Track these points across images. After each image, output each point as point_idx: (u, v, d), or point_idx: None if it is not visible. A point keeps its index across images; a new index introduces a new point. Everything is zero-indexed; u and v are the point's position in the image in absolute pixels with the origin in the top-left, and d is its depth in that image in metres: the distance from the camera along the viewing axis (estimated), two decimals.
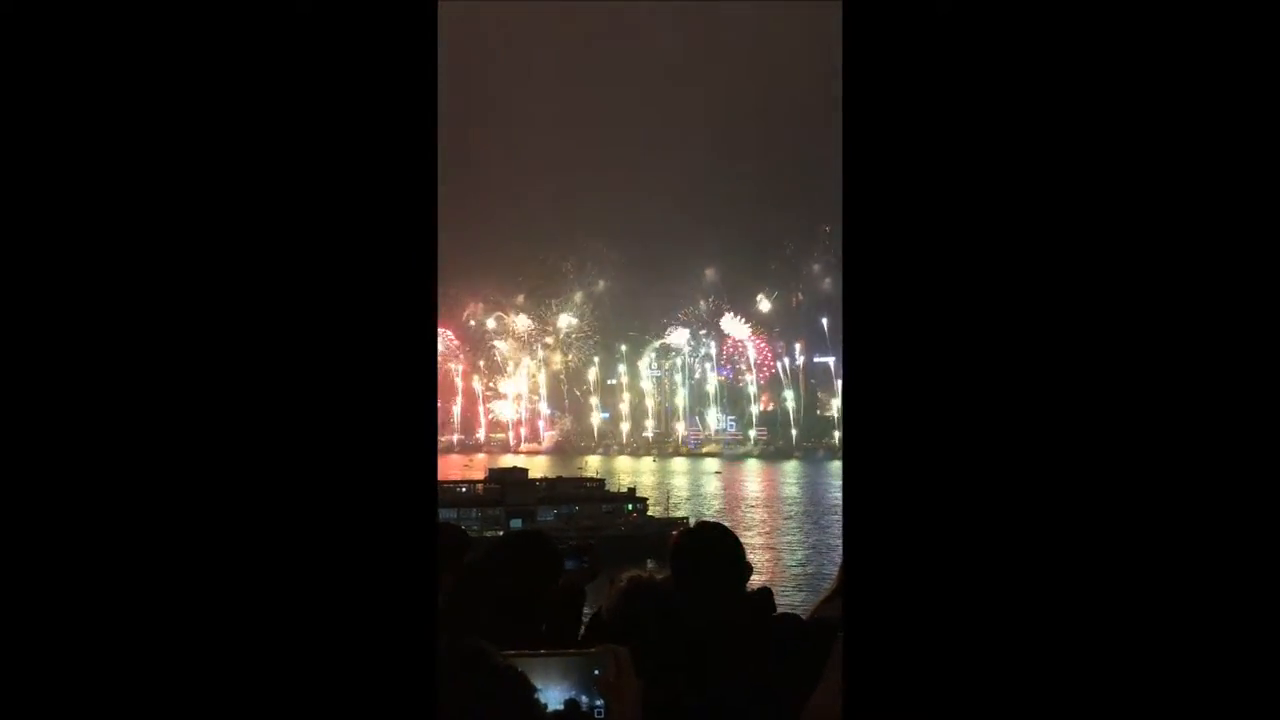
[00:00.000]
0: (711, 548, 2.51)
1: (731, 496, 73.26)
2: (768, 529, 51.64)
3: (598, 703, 1.69)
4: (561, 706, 1.68)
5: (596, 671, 1.70)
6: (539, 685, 1.65)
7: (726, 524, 2.72)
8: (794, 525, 53.56)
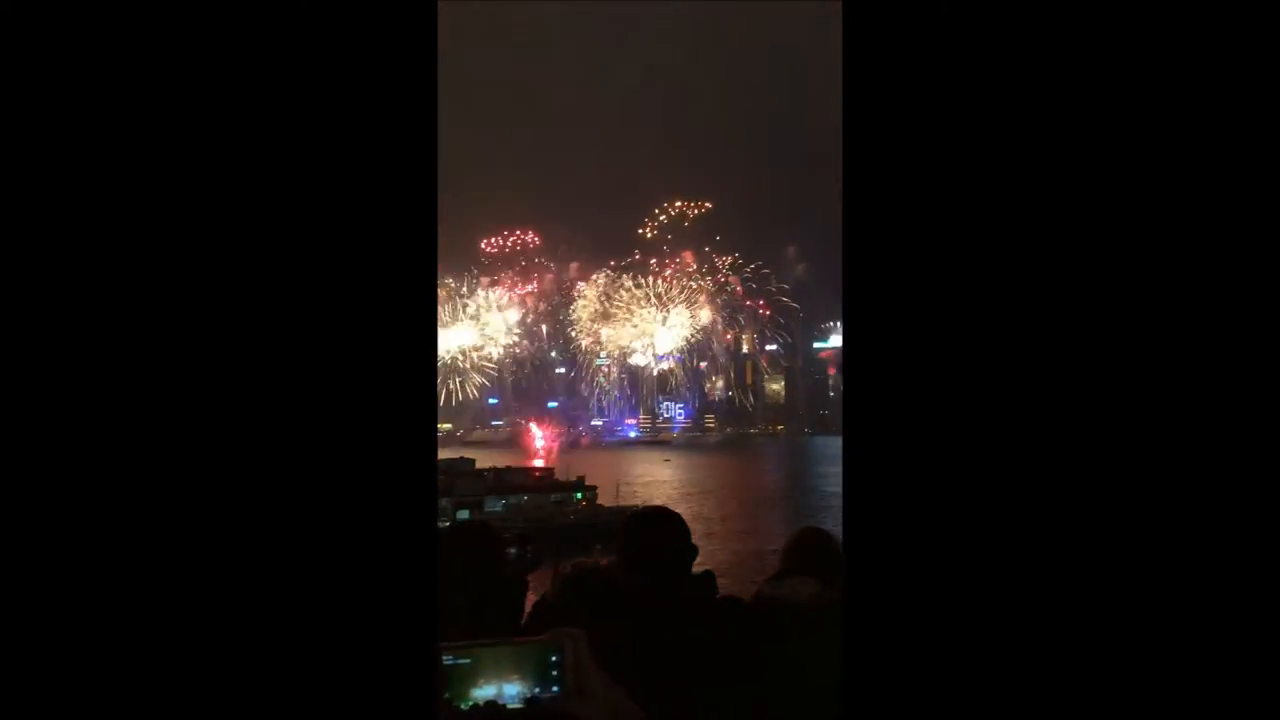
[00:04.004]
0: (656, 531, 2.49)
1: (682, 483, 73.63)
2: (720, 515, 51.71)
3: (554, 689, 1.60)
4: (519, 699, 1.59)
5: (554, 658, 1.61)
6: (494, 678, 1.58)
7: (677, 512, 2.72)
8: (743, 511, 53.83)
